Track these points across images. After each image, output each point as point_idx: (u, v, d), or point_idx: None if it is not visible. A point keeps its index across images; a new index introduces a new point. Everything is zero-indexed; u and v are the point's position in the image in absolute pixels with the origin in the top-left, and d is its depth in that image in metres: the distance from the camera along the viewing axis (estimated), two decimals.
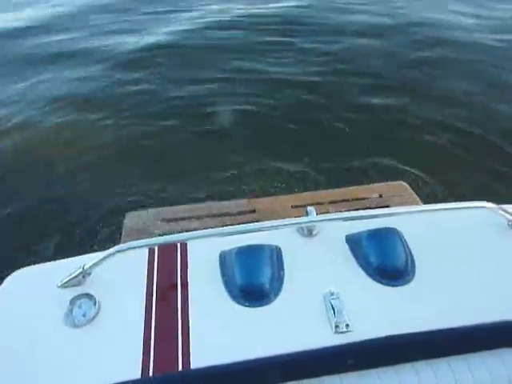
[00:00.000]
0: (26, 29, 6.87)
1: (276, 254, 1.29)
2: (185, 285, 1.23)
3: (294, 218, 1.30)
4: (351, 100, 4.51)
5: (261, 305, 1.16)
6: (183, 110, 4.44)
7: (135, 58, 5.64)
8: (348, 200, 2.60)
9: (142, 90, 4.88)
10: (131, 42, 6.18)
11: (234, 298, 1.18)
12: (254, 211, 2.51)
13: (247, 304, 1.16)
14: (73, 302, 1.19)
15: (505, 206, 1.35)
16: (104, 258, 1.21)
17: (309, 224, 1.34)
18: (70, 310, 1.17)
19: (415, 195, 2.65)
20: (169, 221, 2.48)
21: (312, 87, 4.74)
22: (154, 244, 1.30)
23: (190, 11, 7.13)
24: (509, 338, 1.12)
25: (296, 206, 2.53)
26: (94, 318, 1.15)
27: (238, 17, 6.72)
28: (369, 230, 1.33)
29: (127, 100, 4.72)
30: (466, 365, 1.09)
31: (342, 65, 5.16)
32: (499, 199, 1.39)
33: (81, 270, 1.23)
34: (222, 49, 5.71)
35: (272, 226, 1.28)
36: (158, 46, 5.90)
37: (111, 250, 1.22)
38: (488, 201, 1.34)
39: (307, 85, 4.79)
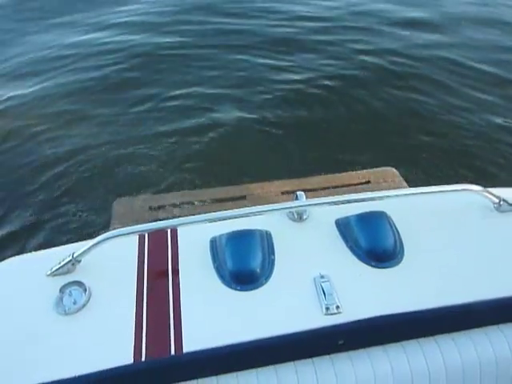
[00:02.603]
0: None
1: (266, 239, 1.30)
2: (176, 270, 1.23)
3: (283, 203, 1.31)
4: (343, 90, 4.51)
5: (252, 288, 1.17)
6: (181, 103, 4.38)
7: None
8: (338, 186, 2.63)
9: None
10: None
11: (225, 282, 1.19)
12: (244, 197, 2.52)
13: (238, 288, 1.17)
14: (63, 289, 1.18)
15: (491, 189, 1.37)
16: (93, 246, 1.20)
17: (298, 208, 1.35)
18: (61, 298, 1.16)
19: (404, 181, 2.68)
20: (158, 208, 2.47)
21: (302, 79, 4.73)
22: (144, 230, 1.30)
23: None
24: (496, 317, 1.15)
25: (286, 192, 2.54)
26: (84, 305, 1.15)
27: None
28: (358, 214, 1.34)
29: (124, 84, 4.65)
30: (454, 343, 1.12)
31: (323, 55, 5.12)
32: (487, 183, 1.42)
33: (70, 257, 1.22)
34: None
35: (262, 211, 1.28)
36: None
37: (100, 237, 1.21)
38: (475, 184, 1.37)
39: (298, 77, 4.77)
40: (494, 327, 1.14)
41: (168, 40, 5.35)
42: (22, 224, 3.08)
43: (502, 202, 1.36)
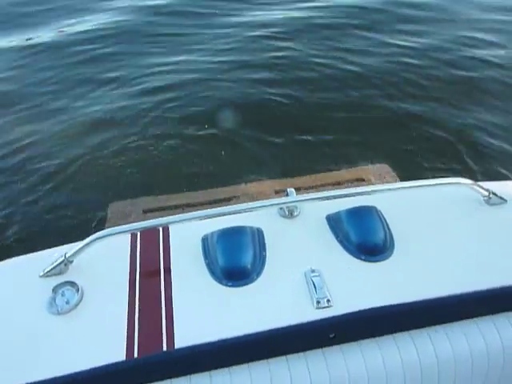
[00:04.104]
0: None
1: (258, 235, 1.30)
2: (168, 268, 1.24)
3: (274, 199, 1.32)
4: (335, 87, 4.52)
5: (243, 284, 1.18)
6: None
7: None
8: (331, 184, 2.64)
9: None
10: None
11: (217, 278, 1.19)
12: (236, 197, 2.54)
13: (230, 284, 1.18)
14: (55, 290, 1.19)
15: (480, 183, 1.39)
16: (85, 246, 1.21)
17: (289, 204, 1.36)
18: (53, 298, 1.17)
19: (397, 177, 2.70)
20: (152, 210, 2.49)
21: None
22: (136, 229, 1.30)
23: None
24: (487, 308, 1.16)
25: (280, 191, 2.56)
26: (77, 304, 1.15)
27: None
28: (348, 209, 1.35)
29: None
30: (445, 335, 1.13)
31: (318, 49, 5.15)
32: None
33: (62, 258, 1.23)
34: None
35: (253, 208, 1.29)
36: None
37: (92, 236, 1.22)
38: (463, 177, 1.38)
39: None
40: (485, 318, 1.15)
41: None
42: (13, 227, 3.07)
43: (491, 195, 1.37)
